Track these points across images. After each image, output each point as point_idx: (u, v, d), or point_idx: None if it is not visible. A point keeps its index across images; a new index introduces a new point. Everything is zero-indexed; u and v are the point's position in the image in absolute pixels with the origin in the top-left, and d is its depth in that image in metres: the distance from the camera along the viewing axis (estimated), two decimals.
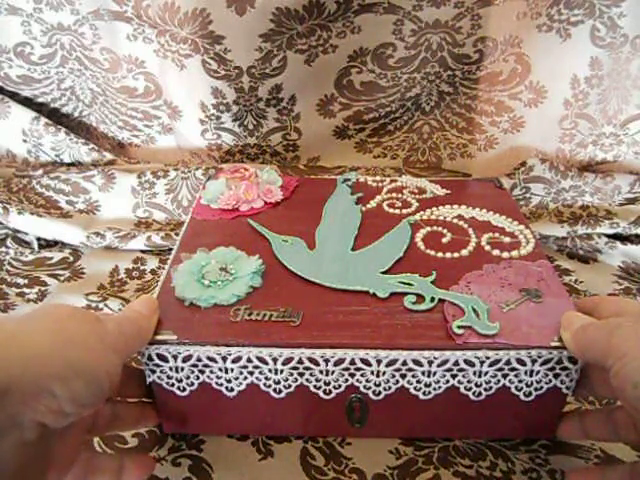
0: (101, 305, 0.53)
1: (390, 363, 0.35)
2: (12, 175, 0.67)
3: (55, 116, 0.70)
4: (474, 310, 0.37)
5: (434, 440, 0.41)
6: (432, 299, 0.38)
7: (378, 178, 0.56)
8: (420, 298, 0.39)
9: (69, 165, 0.68)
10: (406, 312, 0.38)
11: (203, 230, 0.47)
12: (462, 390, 0.37)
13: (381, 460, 0.40)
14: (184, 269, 0.41)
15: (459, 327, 0.36)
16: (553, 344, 0.35)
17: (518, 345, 0.35)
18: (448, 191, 0.53)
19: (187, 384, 0.37)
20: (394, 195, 0.52)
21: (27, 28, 0.62)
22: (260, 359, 0.36)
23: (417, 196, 0.52)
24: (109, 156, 0.68)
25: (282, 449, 0.41)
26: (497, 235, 0.46)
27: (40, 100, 0.69)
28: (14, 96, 0.68)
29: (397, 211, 0.50)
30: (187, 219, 0.49)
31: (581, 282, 0.56)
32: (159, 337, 0.36)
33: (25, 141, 0.68)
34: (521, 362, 0.35)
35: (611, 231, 0.60)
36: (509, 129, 0.66)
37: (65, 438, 0.32)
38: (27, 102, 0.68)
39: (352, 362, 0.35)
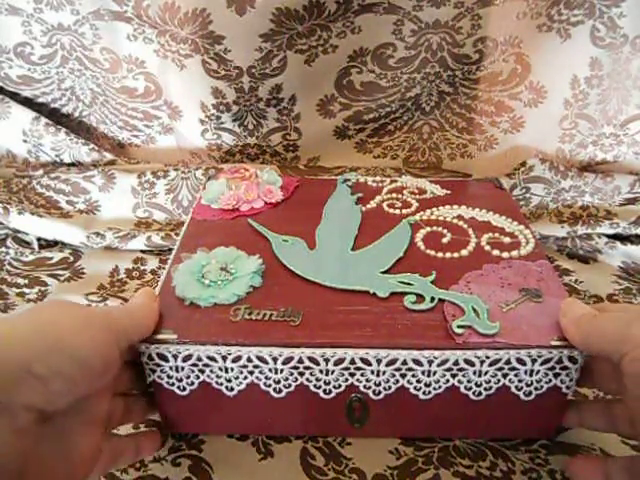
0: (101, 305, 0.53)
1: (390, 362, 0.35)
2: (12, 175, 0.67)
3: (55, 116, 0.70)
4: (474, 310, 0.37)
5: (434, 440, 0.41)
6: (432, 299, 0.38)
7: (378, 178, 0.56)
8: (420, 298, 0.39)
9: (69, 165, 0.68)
10: (406, 312, 0.38)
11: (203, 230, 0.47)
12: (462, 390, 0.37)
13: (381, 460, 0.40)
14: (184, 269, 0.41)
15: (459, 327, 0.36)
16: (553, 343, 0.35)
17: (518, 344, 0.35)
18: (448, 191, 0.53)
19: (187, 383, 0.37)
20: (394, 195, 0.52)
21: (27, 28, 0.62)
22: (260, 358, 0.36)
23: (417, 196, 0.52)
24: (109, 156, 0.68)
25: (282, 449, 0.41)
26: (497, 235, 0.46)
27: (40, 100, 0.69)
28: (14, 96, 0.68)
29: (397, 211, 0.50)
30: (187, 219, 0.49)
31: (581, 282, 0.56)
32: (159, 336, 0.36)
33: (25, 141, 0.68)
34: (521, 361, 0.35)
35: (611, 231, 0.60)
36: (509, 129, 0.66)
37: (85, 436, 0.33)
38: (27, 102, 0.68)
39: (352, 361, 0.35)
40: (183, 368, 0.36)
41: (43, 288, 0.56)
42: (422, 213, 0.49)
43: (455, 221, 0.48)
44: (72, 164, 0.68)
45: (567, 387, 0.36)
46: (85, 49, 0.64)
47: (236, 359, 0.36)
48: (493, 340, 0.35)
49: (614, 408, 0.37)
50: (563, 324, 0.35)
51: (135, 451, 0.38)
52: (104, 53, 0.63)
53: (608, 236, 0.60)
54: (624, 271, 0.58)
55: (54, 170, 0.66)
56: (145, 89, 0.66)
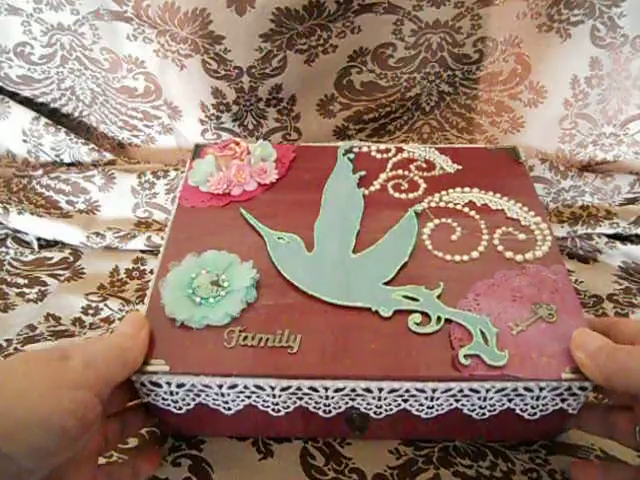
0: (101, 305, 0.53)
1: (392, 391, 0.34)
2: (12, 175, 0.66)
3: (55, 116, 0.70)
4: (482, 333, 0.35)
5: (434, 440, 0.41)
6: (438, 319, 0.36)
7: (382, 147, 0.51)
8: (425, 317, 0.36)
9: (69, 165, 0.68)
10: (410, 335, 0.36)
11: (192, 222, 0.44)
12: (465, 411, 0.36)
13: (381, 460, 0.40)
14: (173, 283, 0.38)
15: (466, 357, 0.34)
16: (564, 376, 0.33)
17: (527, 378, 0.33)
18: (459, 166, 0.48)
19: (183, 404, 0.36)
20: (400, 172, 0.48)
21: (27, 28, 0.62)
22: (257, 386, 0.34)
23: (425, 173, 0.48)
24: (109, 156, 0.68)
25: (282, 449, 0.41)
26: (511, 230, 0.43)
27: (40, 100, 0.69)
28: (14, 96, 0.68)
29: (403, 195, 0.46)
30: (174, 207, 0.46)
31: (581, 282, 0.56)
32: (150, 368, 0.34)
33: (25, 141, 0.68)
34: (528, 389, 0.34)
35: (611, 231, 0.59)
36: (509, 129, 0.66)
37: (76, 474, 0.31)
38: (27, 102, 0.68)
39: (353, 389, 0.34)
40: (178, 392, 0.35)
41: (43, 288, 0.56)
42: (430, 198, 0.45)
43: (466, 210, 0.44)
44: (72, 164, 0.68)
45: (573, 409, 0.35)
46: (85, 49, 0.63)
47: (232, 386, 0.34)
48: (501, 373, 0.34)
49: (615, 416, 0.36)
50: (579, 359, 0.33)
51: (132, 474, 0.37)
52: (104, 53, 0.63)
53: (608, 236, 0.59)
54: (624, 271, 0.58)
55: (54, 170, 0.66)
56: (145, 89, 0.66)
